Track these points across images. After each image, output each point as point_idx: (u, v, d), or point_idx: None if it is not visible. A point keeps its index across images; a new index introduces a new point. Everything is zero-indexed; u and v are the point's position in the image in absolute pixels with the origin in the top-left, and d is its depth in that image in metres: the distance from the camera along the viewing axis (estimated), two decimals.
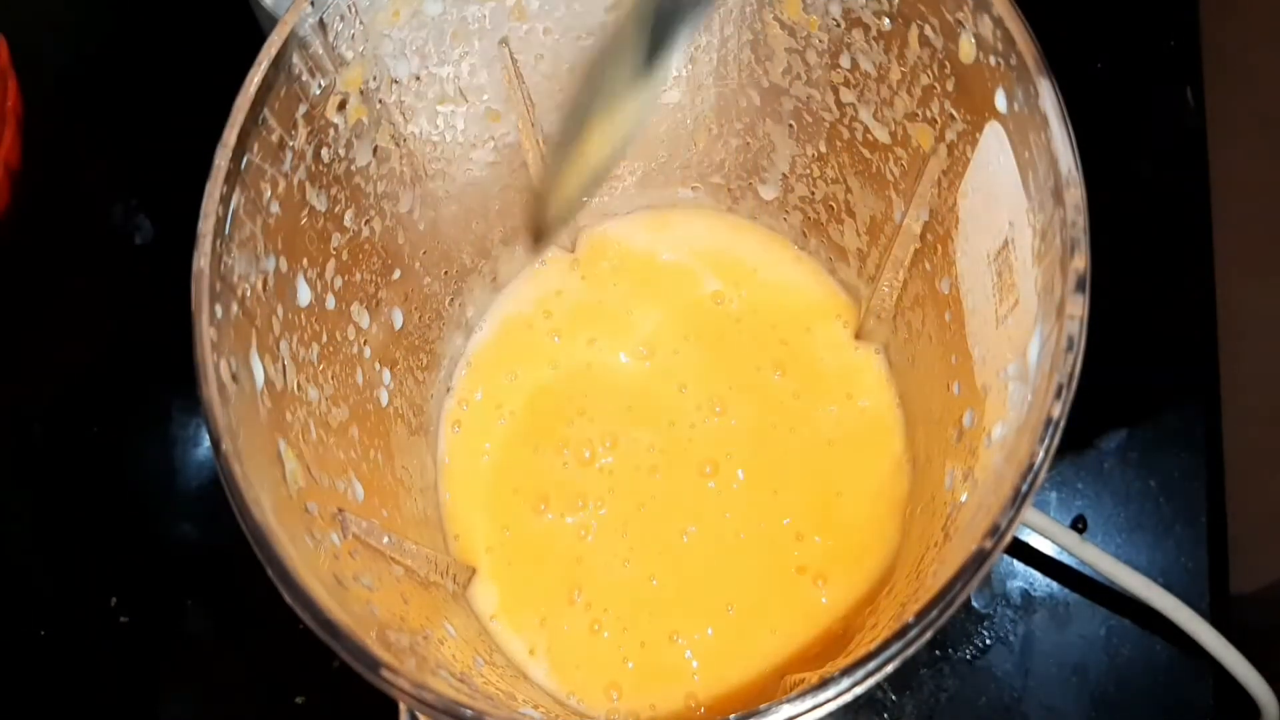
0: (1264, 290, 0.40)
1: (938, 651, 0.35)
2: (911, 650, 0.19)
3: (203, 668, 0.37)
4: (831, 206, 0.33)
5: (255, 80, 0.22)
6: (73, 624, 0.37)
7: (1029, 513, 0.23)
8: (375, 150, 0.27)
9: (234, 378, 0.21)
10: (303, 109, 0.24)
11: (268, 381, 0.23)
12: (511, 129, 0.31)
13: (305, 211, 0.25)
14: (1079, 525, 0.36)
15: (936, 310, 0.30)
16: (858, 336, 0.35)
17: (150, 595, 0.37)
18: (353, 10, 0.24)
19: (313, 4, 0.23)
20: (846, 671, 0.19)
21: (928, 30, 0.25)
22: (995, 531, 0.19)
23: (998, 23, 0.22)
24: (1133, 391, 0.38)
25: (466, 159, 0.31)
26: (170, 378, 0.39)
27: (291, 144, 0.24)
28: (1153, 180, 0.41)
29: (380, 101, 0.27)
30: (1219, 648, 0.32)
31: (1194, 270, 0.39)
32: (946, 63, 0.24)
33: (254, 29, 0.38)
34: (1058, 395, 0.20)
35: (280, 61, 0.23)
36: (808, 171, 0.33)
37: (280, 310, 0.24)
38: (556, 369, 0.36)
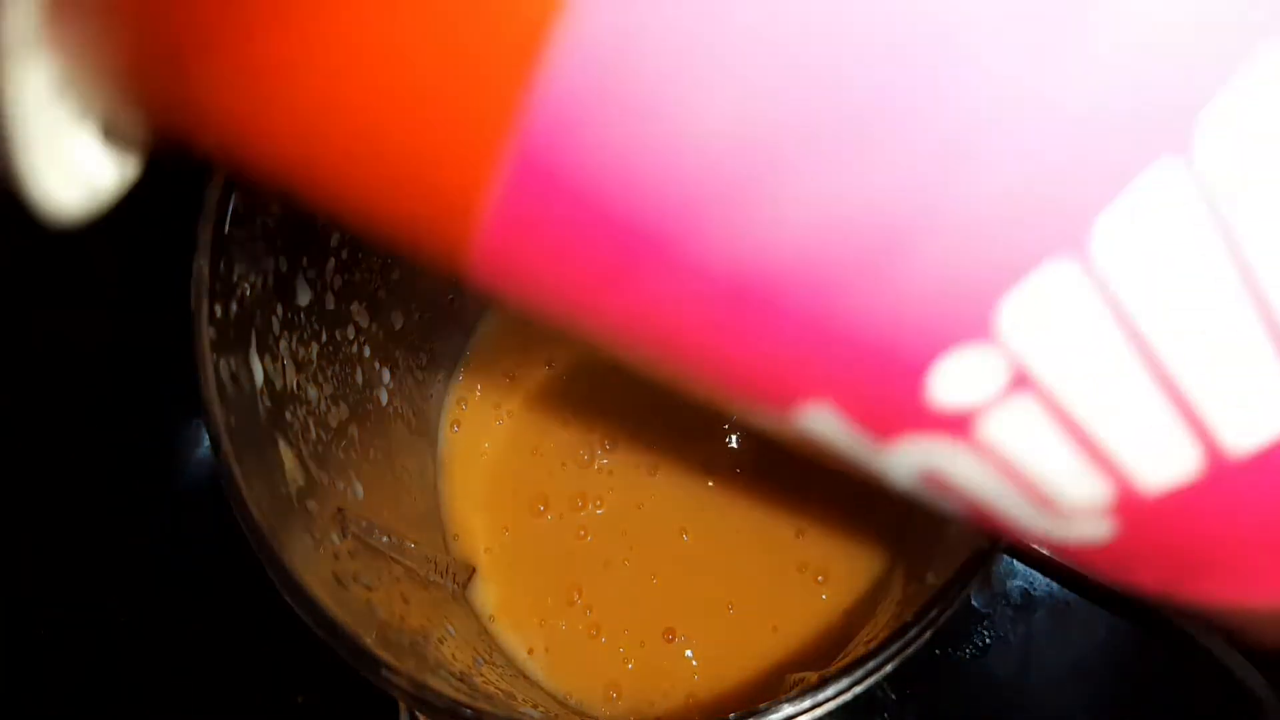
0: None
1: (938, 651, 0.35)
2: (911, 650, 0.19)
3: (203, 668, 0.37)
4: None
5: None
6: (73, 624, 0.37)
7: None
8: None
9: (233, 377, 0.22)
10: None
11: (267, 381, 0.23)
12: None
13: (305, 210, 0.25)
14: None
15: None
16: None
17: (150, 595, 0.37)
18: None
19: None
20: (846, 671, 0.19)
21: None
22: None
23: None
24: None
25: None
26: (170, 378, 0.39)
27: None
28: None
29: None
30: (1219, 648, 0.32)
31: None
32: None
33: None
34: None
35: None
36: None
37: (280, 310, 0.24)
38: (554, 368, 0.36)
